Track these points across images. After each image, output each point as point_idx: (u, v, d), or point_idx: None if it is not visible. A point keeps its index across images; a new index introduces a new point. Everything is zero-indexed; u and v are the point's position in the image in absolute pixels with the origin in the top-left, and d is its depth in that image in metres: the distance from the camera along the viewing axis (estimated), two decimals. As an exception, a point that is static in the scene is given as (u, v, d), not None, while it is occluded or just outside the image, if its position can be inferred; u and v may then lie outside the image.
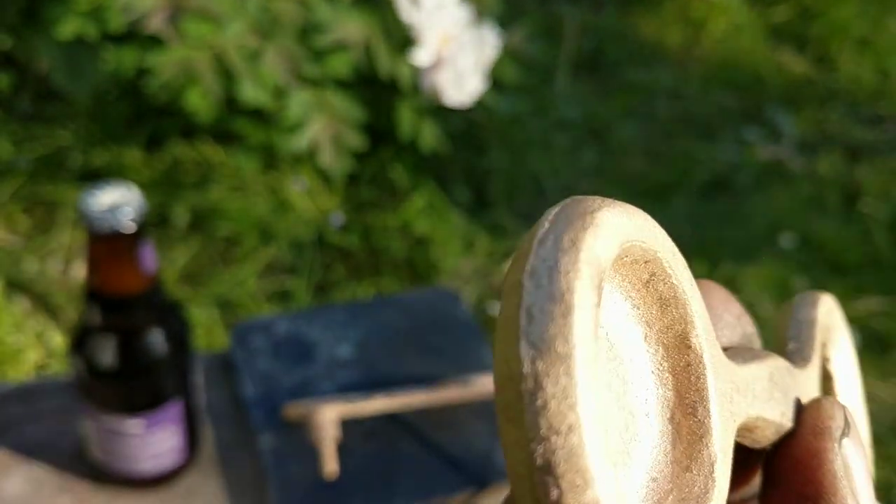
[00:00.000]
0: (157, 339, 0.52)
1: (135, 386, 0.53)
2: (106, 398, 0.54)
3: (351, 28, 1.09)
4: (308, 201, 1.34)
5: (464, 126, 1.56)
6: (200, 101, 1.03)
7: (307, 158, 1.22)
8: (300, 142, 1.07)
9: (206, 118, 1.04)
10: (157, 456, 0.57)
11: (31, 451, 0.62)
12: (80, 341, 0.52)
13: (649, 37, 1.88)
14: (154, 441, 0.56)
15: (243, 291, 1.26)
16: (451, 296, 0.76)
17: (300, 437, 0.63)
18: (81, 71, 1.39)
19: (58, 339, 1.15)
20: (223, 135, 1.35)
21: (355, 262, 1.32)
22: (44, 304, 1.20)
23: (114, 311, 0.50)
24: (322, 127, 1.08)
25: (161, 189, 1.34)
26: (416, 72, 1.17)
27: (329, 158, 1.08)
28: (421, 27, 1.15)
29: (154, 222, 1.33)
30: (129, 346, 0.52)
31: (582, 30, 1.83)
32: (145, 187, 1.34)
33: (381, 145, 1.38)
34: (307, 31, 1.07)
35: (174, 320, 0.54)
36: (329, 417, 0.57)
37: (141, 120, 1.40)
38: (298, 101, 1.07)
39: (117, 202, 0.48)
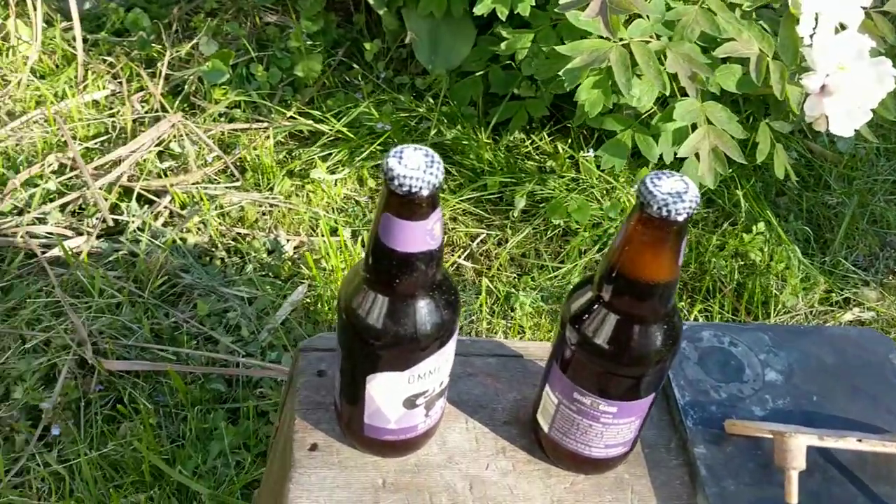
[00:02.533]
0: (657, 332, 0.52)
1: (626, 373, 0.53)
2: (590, 378, 0.54)
3: (748, 41, 1.05)
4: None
5: (809, 158, 1.48)
6: (592, 94, 1.04)
7: (673, 166, 1.20)
8: (681, 150, 1.05)
9: (592, 110, 1.04)
10: (612, 443, 0.57)
11: (471, 408, 0.64)
12: (582, 315, 0.53)
13: None
14: (617, 429, 0.56)
15: (565, 285, 1.26)
16: (884, 340, 0.71)
17: (737, 454, 0.61)
18: (441, 47, 1.44)
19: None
20: (586, 130, 1.35)
21: (682, 278, 1.29)
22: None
23: (636, 295, 0.50)
24: (703, 137, 1.05)
25: (501, 173, 1.37)
26: (801, 96, 1.12)
27: (704, 170, 1.05)
28: (817, 51, 1.10)
29: (494, 201, 1.36)
30: (639, 333, 0.51)
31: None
32: (487, 169, 1.38)
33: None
34: (708, 39, 1.05)
35: (674, 318, 0.53)
36: (799, 445, 0.55)
37: (490, 103, 1.44)
38: (684, 109, 1.06)
39: (678, 191, 0.48)
